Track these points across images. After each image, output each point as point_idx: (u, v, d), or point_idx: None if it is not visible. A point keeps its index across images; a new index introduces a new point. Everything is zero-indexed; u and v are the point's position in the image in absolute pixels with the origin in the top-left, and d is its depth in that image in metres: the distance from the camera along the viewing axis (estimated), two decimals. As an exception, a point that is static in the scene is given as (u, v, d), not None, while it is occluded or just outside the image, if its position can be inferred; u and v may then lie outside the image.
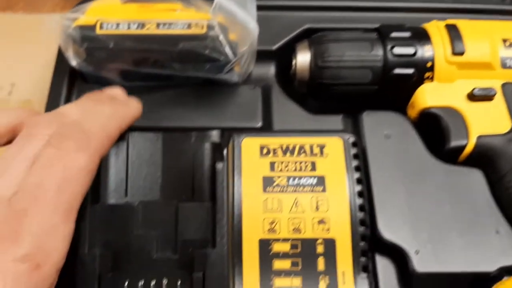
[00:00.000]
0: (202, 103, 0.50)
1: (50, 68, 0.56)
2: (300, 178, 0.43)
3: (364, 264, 0.41)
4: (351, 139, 0.45)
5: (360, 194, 0.43)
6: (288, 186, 0.43)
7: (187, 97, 0.51)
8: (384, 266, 0.44)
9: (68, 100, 0.50)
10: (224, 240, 0.40)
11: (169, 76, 0.50)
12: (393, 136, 0.48)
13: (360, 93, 0.49)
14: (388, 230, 0.43)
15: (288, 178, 0.43)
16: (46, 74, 0.57)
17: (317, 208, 0.42)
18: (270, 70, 0.54)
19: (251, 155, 0.44)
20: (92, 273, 0.39)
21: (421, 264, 0.42)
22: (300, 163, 0.44)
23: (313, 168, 0.43)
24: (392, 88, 0.48)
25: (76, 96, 0.51)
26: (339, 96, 0.50)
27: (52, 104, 0.50)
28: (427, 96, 0.48)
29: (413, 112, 0.49)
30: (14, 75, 0.59)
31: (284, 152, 0.44)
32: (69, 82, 0.51)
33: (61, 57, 0.51)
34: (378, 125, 0.48)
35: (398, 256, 0.43)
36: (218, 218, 0.40)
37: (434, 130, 0.47)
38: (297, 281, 0.41)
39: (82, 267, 0.39)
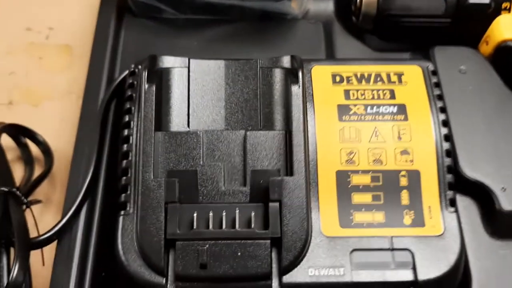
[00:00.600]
0: (261, 38, 0.47)
1: (90, 12, 0.53)
2: (379, 106, 0.39)
3: (452, 198, 0.37)
4: (431, 67, 0.41)
5: (445, 123, 0.39)
6: (367, 115, 0.39)
7: (244, 32, 0.47)
8: (466, 207, 0.40)
9: (116, 36, 0.47)
10: (302, 168, 0.36)
11: (225, 9, 0.47)
12: (468, 71, 0.44)
13: (431, 27, 0.45)
14: (470, 168, 0.40)
15: (366, 106, 0.39)
16: (85, 19, 0.54)
17: (399, 138, 0.38)
18: (328, 6, 0.50)
19: (323, 83, 0.40)
20: (158, 200, 0.35)
21: (508, 202, 0.38)
22: (378, 91, 0.40)
23: (392, 96, 0.40)
24: (466, 21, 0.45)
25: (125, 31, 0.47)
26: (408, 31, 0.46)
27: (99, 43, 0.46)
28: (505, 28, 0.44)
29: (487, 47, 0.44)
30: (52, 19, 0.55)
31: (359, 80, 0.40)
32: (117, 17, 0.47)
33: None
34: (451, 60, 0.44)
35: (482, 194, 0.39)
36: (295, 144, 0.37)
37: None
38: (379, 216, 0.37)
39: (148, 194, 0.35)
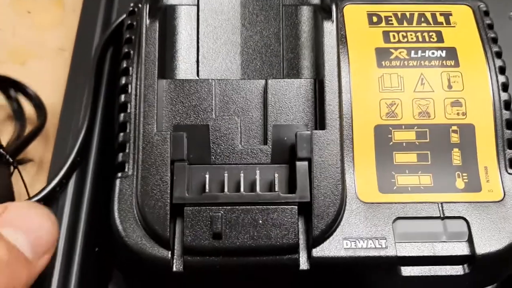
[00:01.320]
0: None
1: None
2: (424, 50, 0.33)
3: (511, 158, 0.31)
4: (483, 6, 0.35)
5: (502, 70, 0.33)
6: (411, 60, 0.33)
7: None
8: None
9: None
10: (336, 121, 0.30)
11: None
12: None
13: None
14: None
15: (409, 50, 0.33)
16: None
17: (449, 87, 0.32)
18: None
19: (358, 24, 0.34)
20: (163, 158, 0.29)
21: None
22: (423, 33, 0.34)
23: (440, 39, 0.33)
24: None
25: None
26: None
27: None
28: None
29: None
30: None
31: (400, 21, 0.34)
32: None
33: None
34: (501, 6, 0.38)
35: None
36: (327, 92, 0.30)
37: None
38: (426, 178, 0.31)
39: (151, 150, 0.29)
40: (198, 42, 0.33)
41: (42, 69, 0.44)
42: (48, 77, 0.43)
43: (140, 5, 0.33)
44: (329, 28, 0.31)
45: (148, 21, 0.31)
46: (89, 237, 0.32)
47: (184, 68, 0.32)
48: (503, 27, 0.38)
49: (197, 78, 0.32)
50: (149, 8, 0.32)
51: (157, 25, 0.31)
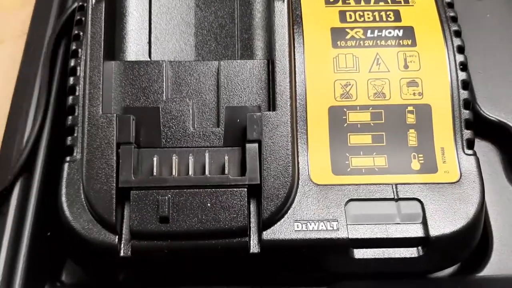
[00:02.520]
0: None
1: None
2: (381, 29, 0.32)
3: (470, 138, 0.31)
4: (444, -16, 0.34)
5: (461, 49, 0.32)
6: (367, 39, 0.32)
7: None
8: (485, 152, 0.34)
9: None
10: (287, 102, 0.29)
11: None
12: None
13: None
14: (491, 106, 0.33)
15: (366, 29, 0.32)
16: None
17: (405, 66, 0.32)
18: None
19: (314, 3, 0.33)
20: (109, 141, 0.28)
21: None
22: (380, 12, 0.33)
23: (398, 17, 0.33)
24: None
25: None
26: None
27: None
28: None
29: None
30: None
31: (357, 0, 0.33)
32: None
33: None
34: None
35: (503, 137, 0.33)
36: (277, 73, 0.30)
37: None
38: (381, 160, 0.30)
39: (96, 133, 0.28)
40: (150, 23, 0.32)
41: (3, 53, 0.43)
42: (7, 61, 0.42)
43: (91, -14, 0.33)
44: (280, 8, 0.30)
45: (93, 1, 0.30)
46: (40, 220, 0.31)
47: (136, 50, 0.32)
48: (470, 8, 0.37)
49: (149, 59, 0.31)
50: (96, -13, 0.31)
51: (103, 5, 0.30)
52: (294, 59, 0.31)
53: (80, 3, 0.33)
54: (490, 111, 0.33)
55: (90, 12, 0.30)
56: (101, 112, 0.29)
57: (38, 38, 0.36)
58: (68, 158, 0.30)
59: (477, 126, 0.32)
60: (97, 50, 0.30)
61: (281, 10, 0.31)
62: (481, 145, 0.34)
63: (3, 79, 0.40)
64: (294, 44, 0.32)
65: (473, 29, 0.36)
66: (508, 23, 0.36)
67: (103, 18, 0.30)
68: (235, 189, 0.28)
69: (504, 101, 0.33)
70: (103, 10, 0.30)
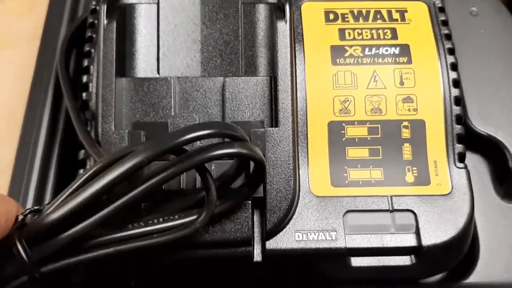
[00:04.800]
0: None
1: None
2: (378, 47, 0.34)
3: (461, 152, 0.32)
4: (438, 2, 0.36)
5: (454, 66, 0.34)
6: (364, 57, 0.34)
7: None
8: (476, 165, 0.36)
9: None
10: (289, 118, 0.31)
11: None
12: (480, 13, 0.38)
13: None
14: (481, 120, 0.35)
15: (364, 47, 0.34)
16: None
17: (401, 83, 0.33)
18: None
19: (315, 22, 0.35)
20: (121, 155, 0.30)
21: (524, 158, 0.33)
22: (378, 30, 0.35)
23: (394, 35, 0.34)
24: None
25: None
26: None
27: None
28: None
29: None
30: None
31: (356, 18, 0.35)
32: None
33: None
34: (462, 1, 0.39)
35: (493, 151, 0.35)
36: (280, 90, 0.31)
37: None
38: (377, 172, 0.32)
39: (110, 149, 0.30)
40: (158, 40, 0.34)
41: (13, 58, 0.44)
42: (18, 65, 0.43)
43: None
44: (282, 28, 0.32)
45: (105, 22, 0.32)
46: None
47: (145, 66, 0.33)
48: (464, 23, 0.38)
49: (157, 76, 0.33)
50: (107, 8, 0.32)
51: (115, 25, 0.32)
52: (296, 76, 0.33)
53: (91, 20, 0.35)
54: (481, 126, 0.35)
55: (102, 32, 0.32)
56: (113, 129, 0.30)
57: (50, 49, 0.38)
58: (81, 171, 0.31)
59: (468, 140, 0.34)
60: (109, 68, 0.31)
61: (283, 31, 0.32)
62: (471, 158, 0.35)
63: (15, 82, 0.41)
64: (295, 61, 0.33)
65: (467, 45, 0.37)
66: (501, 39, 0.37)
67: (114, 37, 0.32)
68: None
69: (494, 116, 0.35)
70: (114, 29, 0.32)
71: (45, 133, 0.34)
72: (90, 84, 0.33)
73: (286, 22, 0.32)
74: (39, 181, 0.33)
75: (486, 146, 0.35)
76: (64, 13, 0.39)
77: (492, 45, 0.37)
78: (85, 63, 0.33)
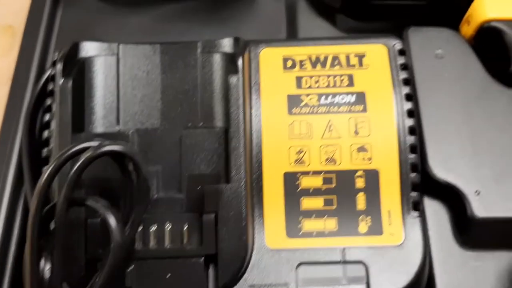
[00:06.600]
0: (215, 17, 0.42)
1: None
2: (334, 95, 0.34)
3: (415, 201, 0.33)
4: (398, 45, 0.36)
5: (410, 113, 0.34)
6: (320, 106, 0.34)
7: (197, 10, 0.42)
8: (435, 211, 0.35)
9: (53, 11, 0.42)
10: (241, 173, 0.32)
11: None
12: (446, 56, 0.37)
13: (406, 5, 0.40)
14: (441, 167, 0.34)
15: (320, 96, 0.34)
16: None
17: (356, 132, 0.34)
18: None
19: (273, 69, 0.35)
20: (78, 215, 0.31)
21: (483, 207, 0.33)
22: (334, 77, 0.35)
23: (351, 83, 0.35)
24: (444, -1, 0.39)
25: (63, 8, 0.42)
26: (379, 11, 0.41)
27: (31, 23, 0.42)
28: (488, 6, 0.37)
29: (469, 28, 0.38)
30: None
31: (314, 65, 0.35)
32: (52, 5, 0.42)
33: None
34: (428, 43, 0.38)
35: (453, 198, 0.34)
36: (232, 146, 0.32)
37: (495, 48, 0.37)
38: (331, 223, 0.33)
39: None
40: (118, 92, 0.34)
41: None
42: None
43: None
44: (234, 83, 0.33)
45: (61, 80, 0.33)
46: None
47: (104, 120, 0.34)
48: (429, 65, 0.37)
49: (118, 127, 0.34)
50: (65, 63, 0.33)
51: (71, 82, 0.33)
52: (251, 126, 0.33)
53: (53, 73, 0.35)
54: (441, 173, 0.34)
55: (58, 90, 0.32)
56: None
57: (18, 100, 0.38)
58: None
59: (429, 187, 0.34)
60: (66, 126, 0.32)
61: (235, 85, 0.33)
62: (432, 205, 0.35)
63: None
64: (251, 112, 0.34)
65: (431, 88, 0.36)
66: (464, 83, 0.36)
67: (70, 95, 0.32)
68: (192, 259, 0.31)
69: (455, 163, 0.34)
70: (70, 87, 0.33)
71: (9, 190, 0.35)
72: (51, 140, 0.34)
73: (238, 78, 0.33)
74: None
75: (447, 193, 0.34)
76: (33, 61, 0.39)
77: (455, 89, 0.36)
78: (46, 117, 0.34)
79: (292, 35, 0.42)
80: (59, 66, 0.33)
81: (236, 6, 0.43)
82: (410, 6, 0.40)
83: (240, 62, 0.33)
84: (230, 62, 0.34)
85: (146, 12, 0.42)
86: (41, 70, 0.39)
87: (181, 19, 0.42)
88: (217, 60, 0.34)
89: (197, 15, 0.42)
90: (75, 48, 0.34)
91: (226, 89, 0.33)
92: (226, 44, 0.35)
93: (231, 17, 0.42)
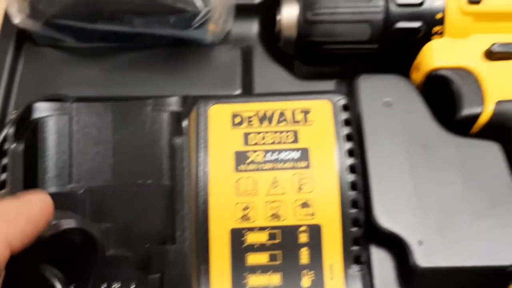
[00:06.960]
0: (170, 67, 0.43)
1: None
2: (279, 152, 0.35)
3: (357, 255, 0.34)
4: (342, 101, 0.37)
5: (352, 169, 0.35)
6: (266, 163, 0.35)
7: (152, 60, 0.43)
8: (381, 260, 0.36)
9: (14, 64, 0.43)
10: (186, 234, 0.33)
11: (131, 35, 0.43)
12: (394, 103, 0.39)
13: (357, 53, 0.41)
14: (386, 216, 0.35)
15: (266, 152, 0.35)
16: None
17: (299, 189, 0.35)
18: (252, 28, 0.46)
19: (221, 126, 0.36)
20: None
21: (425, 257, 0.34)
22: (280, 133, 0.36)
23: (295, 139, 0.36)
24: (394, 47, 0.40)
25: (24, 61, 0.44)
26: (332, 57, 0.42)
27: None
28: (436, 55, 0.39)
29: (418, 75, 0.40)
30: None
31: (261, 121, 0.36)
32: (16, 45, 0.44)
33: (7, 16, 0.44)
34: (377, 91, 0.39)
35: (397, 247, 0.35)
36: (177, 207, 0.33)
37: (443, 96, 0.39)
38: (276, 278, 0.34)
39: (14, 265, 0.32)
40: (71, 150, 0.35)
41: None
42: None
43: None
44: (179, 144, 0.34)
45: (13, 145, 0.34)
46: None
47: (57, 179, 0.35)
48: (377, 114, 0.38)
49: (68, 188, 0.35)
50: (17, 128, 0.34)
51: (22, 146, 0.34)
52: (198, 184, 0.35)
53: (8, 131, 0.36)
54: (386, 223, 0.35)
55: (10, 155, 0.34)
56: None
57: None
58: None
59: (374, 236, 0.35)
60: (17, 189, 0.33)
61: (180, 146, 0.34)
62: (378, 253, 0.36)
63: None
64: (198, 169, 0.35)
65: (378, 136, 0.37)
66: (410, 132, 0.38)
67: (22, 161, 0.34)
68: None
69: (400, 213, 0.35)
70: (22, 150, 0.34)
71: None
72: (5, 199, 0.35)
73: (182, 137, 0.34)
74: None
75: (391, 243, 0.35)
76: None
77: (402, 138, 0.37)
78: (2, 177, 0.35)
79: (248, 81, 0.43)
80: (11, 130, 0.34)
81: (193, 54, 0.44)
82: (362, 53, 0.41)
83: (186, 122, 0.35)
84: (177, 122, 0.35)
85: (104, 62, 0.43)
86: (0, 126, 0.40)
87: (139, 69, 0.43)
88: (164, 119, 0.36)
89: (154, 64, 0.43)
90: (28, 110, 0.36)
91: (172, 149, 0.35)
92: (174, 103, 0.36)
93: (188, 65, 0.43)
